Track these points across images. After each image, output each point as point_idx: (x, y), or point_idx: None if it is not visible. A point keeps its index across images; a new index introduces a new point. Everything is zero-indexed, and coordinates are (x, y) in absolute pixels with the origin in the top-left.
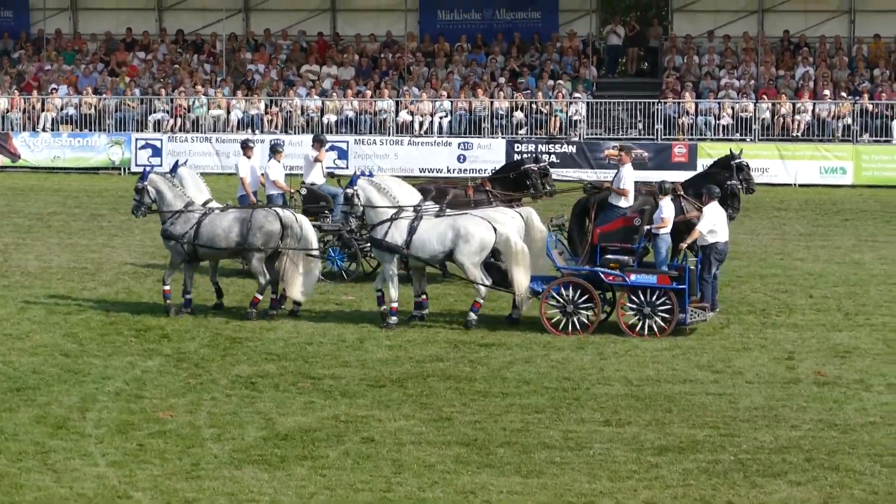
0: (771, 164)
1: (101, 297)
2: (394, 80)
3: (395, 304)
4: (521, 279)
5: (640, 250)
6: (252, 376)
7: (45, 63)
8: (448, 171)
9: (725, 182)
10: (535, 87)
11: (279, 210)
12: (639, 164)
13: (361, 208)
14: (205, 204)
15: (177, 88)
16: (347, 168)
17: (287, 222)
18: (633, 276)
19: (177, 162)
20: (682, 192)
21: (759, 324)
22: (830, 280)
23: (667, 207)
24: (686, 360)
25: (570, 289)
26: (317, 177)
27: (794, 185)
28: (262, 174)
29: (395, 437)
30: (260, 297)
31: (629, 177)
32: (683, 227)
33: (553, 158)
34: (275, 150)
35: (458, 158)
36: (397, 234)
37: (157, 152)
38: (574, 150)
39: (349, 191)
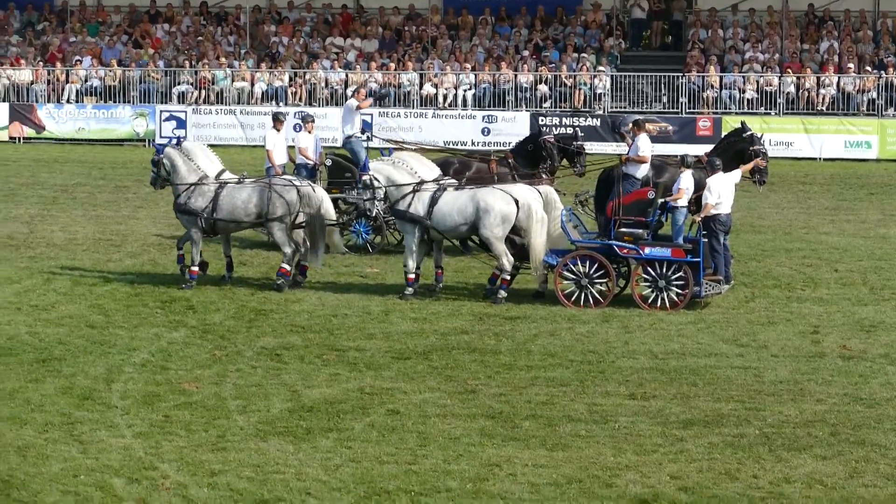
0: (795, 137)
1: (127, 268)
2: (418, 53)
3: (411, 276)
4: (538, 250)
5: (654, 223)
6: (277, 348)
7: (69, 35)
8: (472, 143)
9: (746, 151)
10: (559, 60)
11: (294, 180)
12: (664, 138)
13: (383, 191)
14: (218, 175)
15: (201, 60)
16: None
17: (304, 192)
18: (647, 250)
19: (179, 139)
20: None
21: (785, 298)
22: (856, 254)
23: (685, 179)
24: (711, 333)
25: (585, 262)
26: (355, 127)
27: (819, 159)
28: (291, 146)
29: (421, 410)
30: (288, 268)
31: (646, 145)
32: None
33: (577, 132)
34: (305, 121)
35: (483, 131)
36: (419, 206)
37: (181, 124)
38: (598, 124)
39: (366, 178)
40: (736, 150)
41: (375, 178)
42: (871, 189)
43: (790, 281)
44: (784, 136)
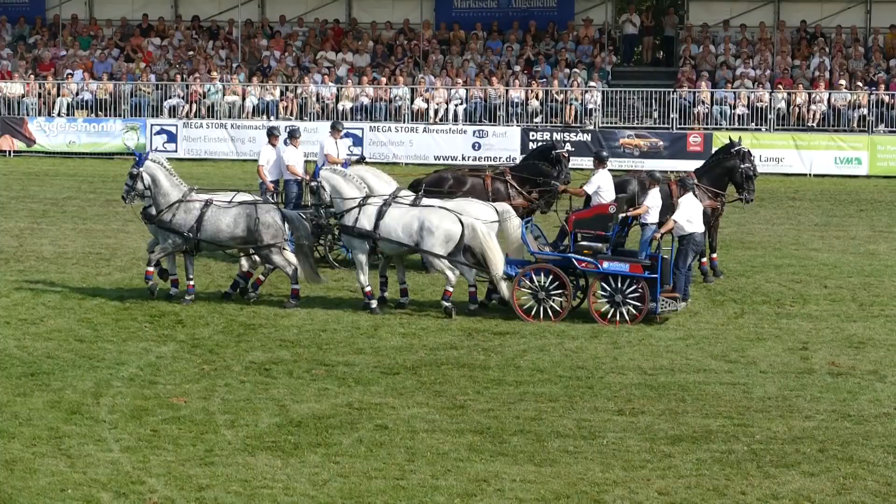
0: (786, 153)
1: (116, 282)
2: (409, 68)
3: (368, 289)
4: (496, 261)
5: (615, 238)
6: (266, 363)
7: (60, 48)
8: (463, 158)
9: (737, 168)
10: (551, 75)
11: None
12: (654, 153)
13: (329, 199)
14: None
15: (192, 74)
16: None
17: (289, 215)
18: (605, 264)
19: (145, 154)
20: (696, 181)
21: (774, 314)
22: (845, 270)
23: (652, 195)
24: (700, 349)
25: (543, 275)
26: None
27: (809, 175)
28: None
29: (409, 425)
30: (297, 287)
31: (596, 181)
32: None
33: (568, 147)
34: (291, 136)
35: (473, 146)
36: (365, 220)
37: (172, 138)
38: (589, 139)
39: (313, 184)
40: (725, 167)
41: (323, 187)
42: (861, 205)
43: (779, 297)
44: (774, 152)
